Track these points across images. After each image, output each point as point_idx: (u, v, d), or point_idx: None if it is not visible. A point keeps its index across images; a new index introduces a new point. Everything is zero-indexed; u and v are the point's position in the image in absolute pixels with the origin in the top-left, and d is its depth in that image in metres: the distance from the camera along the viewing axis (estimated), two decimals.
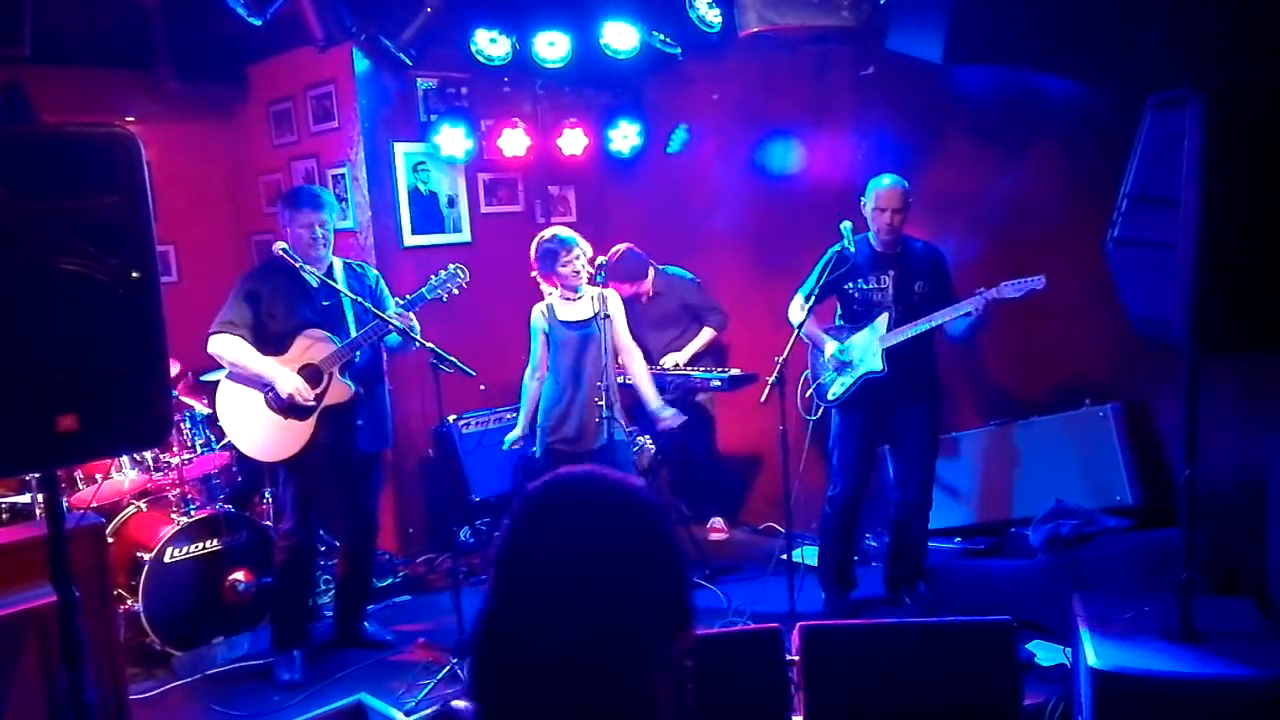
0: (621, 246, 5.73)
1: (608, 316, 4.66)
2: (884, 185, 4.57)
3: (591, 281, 4.74)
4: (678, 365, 5.61)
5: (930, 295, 4.64)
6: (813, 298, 4.50)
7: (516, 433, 4.94)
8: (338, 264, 4.55)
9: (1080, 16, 4.22)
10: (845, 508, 4.78)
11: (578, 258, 4.67)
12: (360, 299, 4.39)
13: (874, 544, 5.43)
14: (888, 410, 4.70)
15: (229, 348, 4.31)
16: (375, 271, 4.76)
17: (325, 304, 4.45)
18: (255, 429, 4.38)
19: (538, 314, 4.81)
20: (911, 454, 4.75)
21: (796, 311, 4.71)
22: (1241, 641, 3.00)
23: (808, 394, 4.77)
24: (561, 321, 4.73)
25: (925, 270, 4.67)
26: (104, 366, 2.23)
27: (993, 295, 4.37)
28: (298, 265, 4.33)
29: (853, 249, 4.49)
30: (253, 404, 4.37)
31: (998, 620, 2.97)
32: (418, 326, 4.39)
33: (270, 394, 4.34)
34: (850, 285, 4.60)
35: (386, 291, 4.68)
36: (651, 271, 5.81)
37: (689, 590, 1.32)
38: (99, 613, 3.30)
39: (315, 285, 4.44)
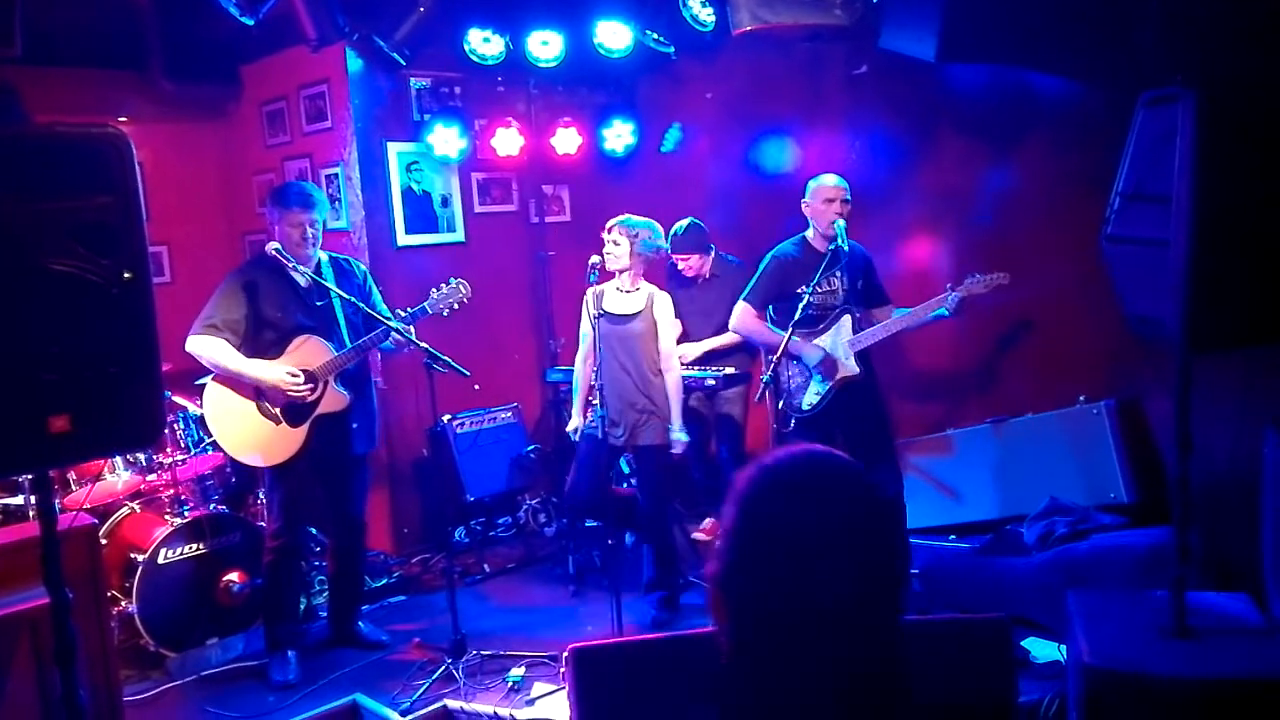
0: (687, 220, 5.66)
1: (648, 315, 4.69)
2: (828, 179, 4.63)
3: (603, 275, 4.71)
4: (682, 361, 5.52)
5: (867, 293, 4.75)
6: (802, 306, 4.42)
7: (575, 423, 4.92)
8: (324, 259, 4.50)
9: (1072, 14, 4.23)
10: None
11: (616, 243, 4.69)
12: (357, 301, 4.37)
13: None
14: (846, 415, 4.70)
15: (208, 348, 4.24)
16: (364, 267, 4.73)
17: (318, 304, 4.42)
18: (246, 434, 4.33)
19: (588, 297, 4.79)
20: (876, 455, 4.76)
21: (750, 321, 4.72)
22: (1236, 638, 3.00)
23: (779, 406, 4.66)
24: (605, 312, 4.69)
25: (862, 268, 4.75)
26: (96, 367, 2.22)
27: (963, 293, 4.47)
28: (290, 266, 4.31)
29: (846, 247, 4.49)
30: (244, 408, 4.33)
31: (994, 617, 2.97)
32: (413, 334, 4.37)
33: (263, 399, 4.29)
34: (805, 288, 4.48)
35: (375, 288, 4.66)
36: (711, 250, 5.70)
37: (907, 566, 1.45)
38: (92, 614, 3.29)
39: (305, 285, 4.41)
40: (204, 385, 4.47)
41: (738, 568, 1.35)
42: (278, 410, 4.33)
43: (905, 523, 4.81)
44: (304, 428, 4.34)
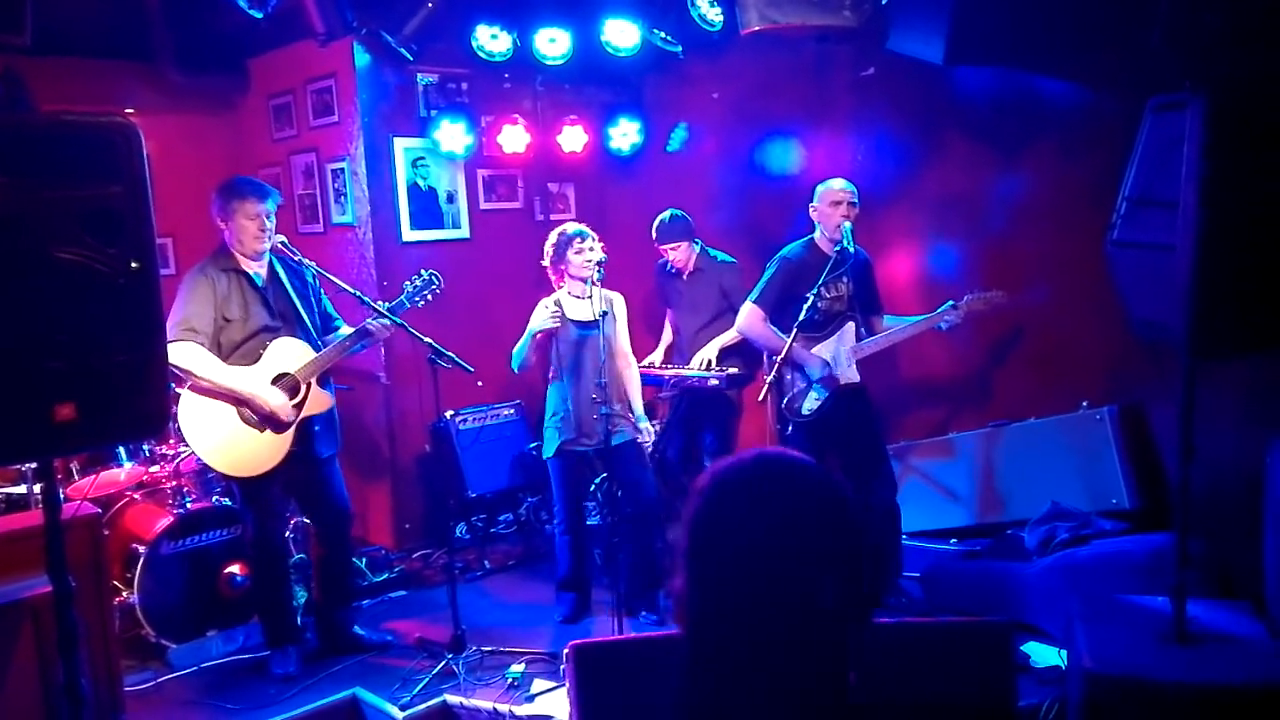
0: (669, 211, 5.61)
1: (612, 316, 4.68)
2: (836, 183, 4.64)
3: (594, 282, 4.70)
4: (709, 363, 5.45)
5: (866, 299, 4.79)
6: (806, 308, 4.41)
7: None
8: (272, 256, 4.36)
9: (1081, 19, 4.22)
10: None
11: (590, 249, 4.70)
12: (355, 291, 4.35)
13: None
14: (842, 421, 4.70)
15: (189, 358, 4.01)
16: (313, 266, 4.51)
17: (279, 302, 4.31)
18: (227, 444, 4.15)
19: (546, 309, 4.78)
20: (871, 461, 4.78)
21: (758, 323, 4.69)
22: (1236, 646, 3.00)
23: (781, 405, 4.68)
24: (570, 320, 4.73)
25: (864, 274, 4.78)
26: (102, 357, 2.22)
27: (963, 310, 4.55)
28: (296, 259, 4.30)
29: (852, 249, 4.50)
30: (222, 416, 4.14)
31: (995, 621, 2.97)
32: (394, 322, 4.35)
33: (243, 405, 4.14)
34: (813, 292, 4.44)
35: (323, 290, 4.60)
36: (697, 245, 5.66)
37: (871, 567, 1.38)
38: (95, 603, 3.31)
39: (262, 284, 4.29)
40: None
41: (695, 579, 1.33)
42: (259, 416, 4.19)
43: (899, 526, 4.85)
44: (289, 433, 4.24)
